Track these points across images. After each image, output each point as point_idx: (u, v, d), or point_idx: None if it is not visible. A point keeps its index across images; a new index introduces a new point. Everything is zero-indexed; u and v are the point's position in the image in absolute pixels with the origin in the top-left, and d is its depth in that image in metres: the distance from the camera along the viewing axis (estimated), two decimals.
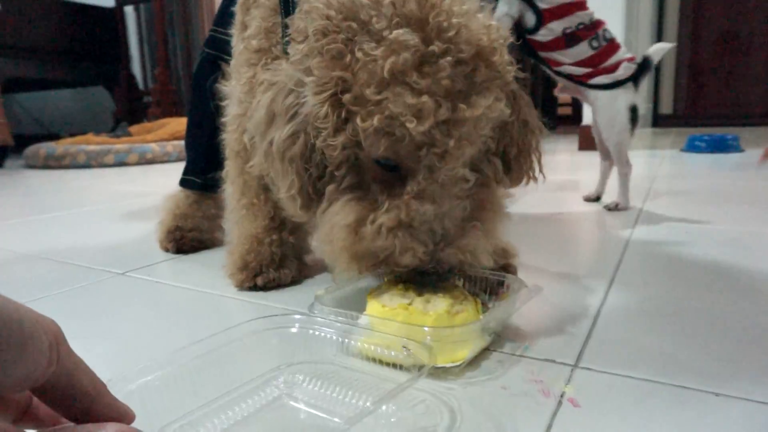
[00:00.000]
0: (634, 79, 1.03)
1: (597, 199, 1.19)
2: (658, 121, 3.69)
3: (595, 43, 1.03)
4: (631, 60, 1.04)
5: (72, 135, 3.08)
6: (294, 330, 0.48)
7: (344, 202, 0.45)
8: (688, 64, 3.78)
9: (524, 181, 0.55)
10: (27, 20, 3.18)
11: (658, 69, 3.73)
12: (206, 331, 0.55)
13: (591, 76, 1.04)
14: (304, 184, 0.46)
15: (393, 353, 0.43)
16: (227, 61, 0.73)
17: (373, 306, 0.48)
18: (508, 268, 0.62)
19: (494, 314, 0.48)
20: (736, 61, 3.66)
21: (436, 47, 0.40)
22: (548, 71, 1.09)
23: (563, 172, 1.77)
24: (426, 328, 0.44)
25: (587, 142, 2.34)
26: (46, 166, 2.54)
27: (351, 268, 0.47)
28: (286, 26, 0.59)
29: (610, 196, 1.16)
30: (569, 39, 1.02)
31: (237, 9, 0.69)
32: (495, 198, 0.51)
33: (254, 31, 0.64)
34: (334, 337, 0.46)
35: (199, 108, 0.86)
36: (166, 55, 3.28)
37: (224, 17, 0.76)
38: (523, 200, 1.24)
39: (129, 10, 3.57)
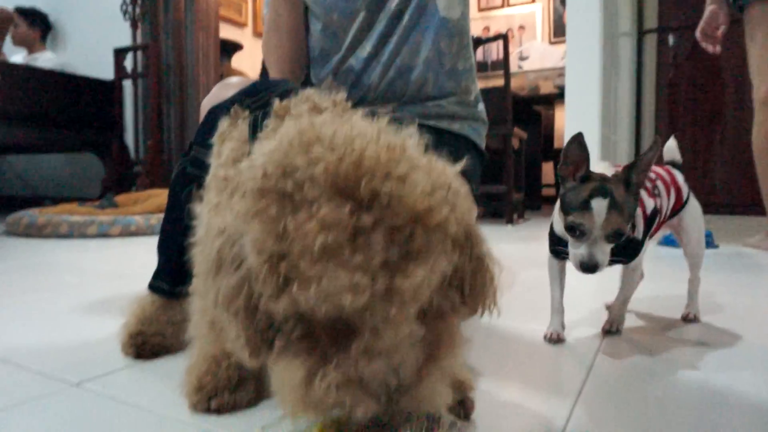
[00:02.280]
0: None
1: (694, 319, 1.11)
2: None
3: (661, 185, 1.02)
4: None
5: (58, 199, 3.10)
6: None
7: (293, 356, 0.45)
8: None
9: (479, 313, 0.54)
10: (25, 89, 3.27)
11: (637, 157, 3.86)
12: None
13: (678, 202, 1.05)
14: (250, 335, 0.46)
15: None
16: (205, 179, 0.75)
17: None
18: (464, 403, 0.61)
19: None
20: (711, 151, 3.80)
21: (367, 219, 0.40)
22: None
23: (541, 266, 1.78)
24: None
25: None
26: (26, 235, 2.52)
27: (304, 416, 0.46)
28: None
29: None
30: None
31: (215, 139, 0.73)
32: (452, 330, 0.50)
33: (224, 160, 0.67)
34: None
35: (173, 215, 0.87)
36: (159, 127, 3.36)
37: (204, 140, 0.78)
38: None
39: (127, 83, 3.68)
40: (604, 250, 0.81)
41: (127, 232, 2.55)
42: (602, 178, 0.82)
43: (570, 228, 0.81)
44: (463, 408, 0.61)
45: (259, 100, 0.74)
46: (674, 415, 0.66)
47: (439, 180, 0.45)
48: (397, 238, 0.40)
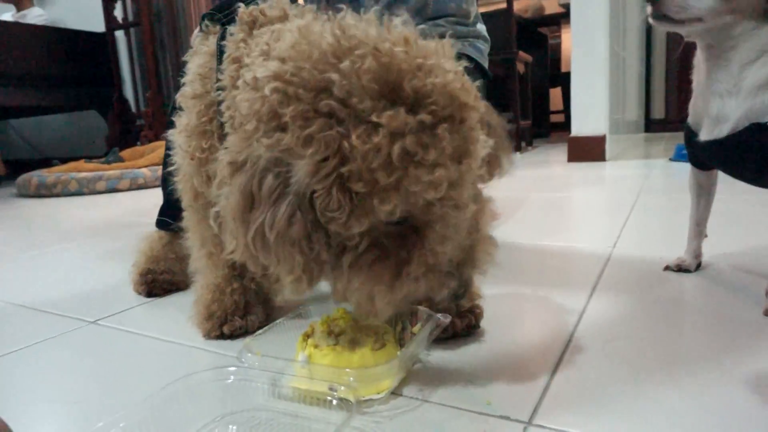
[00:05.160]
0: None
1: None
2: (650, 126, 3.70)
3: None
4: None
5: (65, 160, 3.11)
6: (229, 381, 0.49)
7: (369, 267, 0.45)
8: (678, 69, 3.78)
9: (497, 176, 0.55)
10: (18, 48, 3.21)
11: (649, 75, 3.73)
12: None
13: None
14: (309, 262, 0.45)
15: (325, 395, 0.47)
16: None
17: (305, 350, 0.53)
18: (473, 310, 0.62)
19: (411, 349, 0.53)
20: None
21: (425, 116, 0.40)
22: None
23: (554, 189, 1.77)
24: (348, 370, 0.49)
25: (576, 153, 2.34)
26: (38, 195, 2.55)
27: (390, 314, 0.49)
28: (220, 71, 0.60)
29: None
30: None
31: (187, 57, 0.71)
32: (484, 199, 0.52)
33: (191, 77, 0.65)
34: (265, 386, 0.49)
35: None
36: (157, 78, 3.30)
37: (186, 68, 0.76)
38: (508, 223, 1.24)
39: (119, 34, 3.59)
40: None
41: (136, 185, 2.56)
42: None
43: None
44: (472, 314, 0.62)
45: (230, 14, 0.70)
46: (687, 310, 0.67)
47: (450, 63, 0.45)
48: (453, 128, 0.42)
